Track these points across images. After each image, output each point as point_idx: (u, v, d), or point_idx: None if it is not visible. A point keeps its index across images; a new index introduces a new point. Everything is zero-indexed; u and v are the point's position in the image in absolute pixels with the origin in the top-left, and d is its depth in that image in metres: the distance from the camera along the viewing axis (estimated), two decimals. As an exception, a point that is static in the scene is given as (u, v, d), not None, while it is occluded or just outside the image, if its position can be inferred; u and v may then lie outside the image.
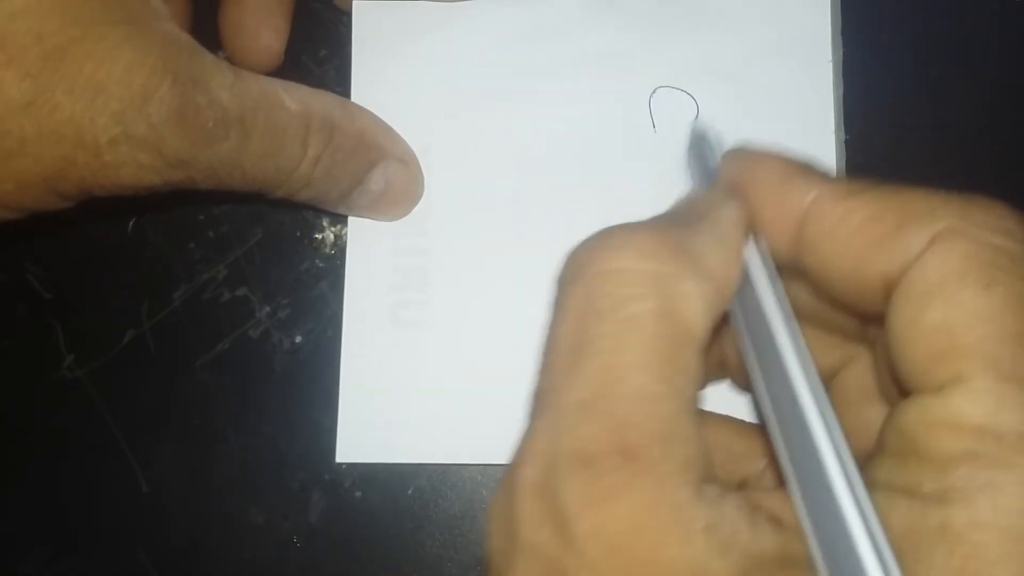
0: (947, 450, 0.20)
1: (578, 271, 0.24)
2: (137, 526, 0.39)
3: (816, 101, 0.38)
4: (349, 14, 0.40)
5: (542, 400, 0.23)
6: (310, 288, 0.40)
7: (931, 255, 0.22)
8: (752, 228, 0.26)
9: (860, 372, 0.28)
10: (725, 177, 0.27)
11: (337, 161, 0.34)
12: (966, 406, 0.20)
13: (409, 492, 0.39)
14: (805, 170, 0.25)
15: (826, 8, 0.38)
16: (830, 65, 0.38)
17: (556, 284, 0.24)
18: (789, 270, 0.26)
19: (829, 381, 0.29)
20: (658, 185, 0.38)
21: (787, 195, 0.25)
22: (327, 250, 0.40)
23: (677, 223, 0.25)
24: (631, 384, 0.22)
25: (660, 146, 0.38)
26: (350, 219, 0.39)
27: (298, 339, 0.40)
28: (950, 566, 0.19)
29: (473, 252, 0.39)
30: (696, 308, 0.23)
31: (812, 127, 0.38)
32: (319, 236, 0.40)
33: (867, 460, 0.24)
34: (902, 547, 0.20)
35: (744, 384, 0.32)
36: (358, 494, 0.39)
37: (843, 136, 0.38)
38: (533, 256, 0.38)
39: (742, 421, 0.32)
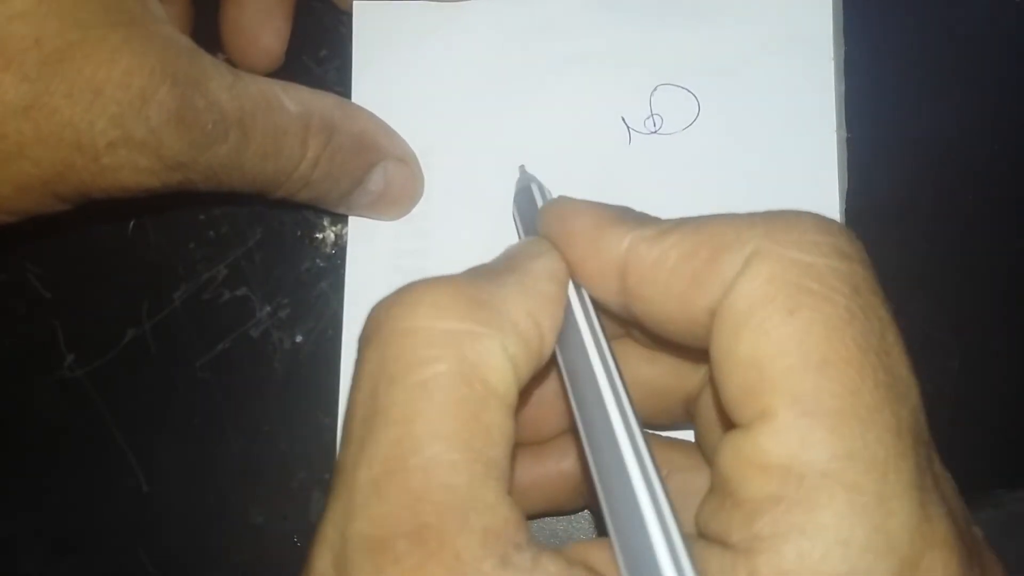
0: (754, 494, 0.20)
1: (374, 332, 0.23)
2: (137, 526, 0.39)
3: (817, 99, 0.38)
4: (349, 14, 0.40)
5: (338, 477, 0.22)
6: (310, 288, 0.40)
7: (740, 282, 0.21)
8: (573, 279, 0.25)
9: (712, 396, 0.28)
10: (544, 231, 0.26)
11: (337, 161, 0.34)
12: (771, 444, 0.20)
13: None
14: (619, 217, 0.24)
15: (827, 5, 0.38)
16: (831, 63, 0.38)
17: (357, 345, 0.23)
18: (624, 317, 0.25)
19: (690, 404, 0.29)
20: (659, 184, 0.38)
21: (603, 245, 0.24)
22: (327, 250, 0.40)
23: (484, 276, 0.24)
24: (425, 456, 0.20)
25: (662, 145, 0.38)
26: (350, 219, 0.39)
27: (298, 339, 0.40)
28: None
29: (473, 252, 0.38)
30: (497, 365, 0.22)
31: (813, 125, 0.38)
32: (319, 236, 0.40)
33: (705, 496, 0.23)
34: None
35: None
36: (358, 494, 0.39)
37: (844, 134, 0.38)
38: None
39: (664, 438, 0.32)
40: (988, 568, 0.22)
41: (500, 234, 0.38)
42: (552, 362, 0.25)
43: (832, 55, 0.38)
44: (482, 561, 0.20)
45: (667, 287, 0.23)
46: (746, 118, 0.38)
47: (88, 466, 0.39)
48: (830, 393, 0.19)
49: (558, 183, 0.38)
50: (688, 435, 0.32)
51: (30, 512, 0.39)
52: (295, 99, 0.33)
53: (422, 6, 0.39)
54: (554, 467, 0.31)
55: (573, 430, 0.28)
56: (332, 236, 0.40)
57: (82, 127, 0.29)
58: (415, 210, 0.39)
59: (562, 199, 0.27)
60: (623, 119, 0.39)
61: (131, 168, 0.30)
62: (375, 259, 0.39)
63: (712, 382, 0.22)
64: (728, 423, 0.22)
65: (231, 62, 0.38)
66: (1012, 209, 0.39)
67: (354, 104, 0.37)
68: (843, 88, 0.38)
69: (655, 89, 0.39)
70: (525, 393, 0.24)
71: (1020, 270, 0.39)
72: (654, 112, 0.39)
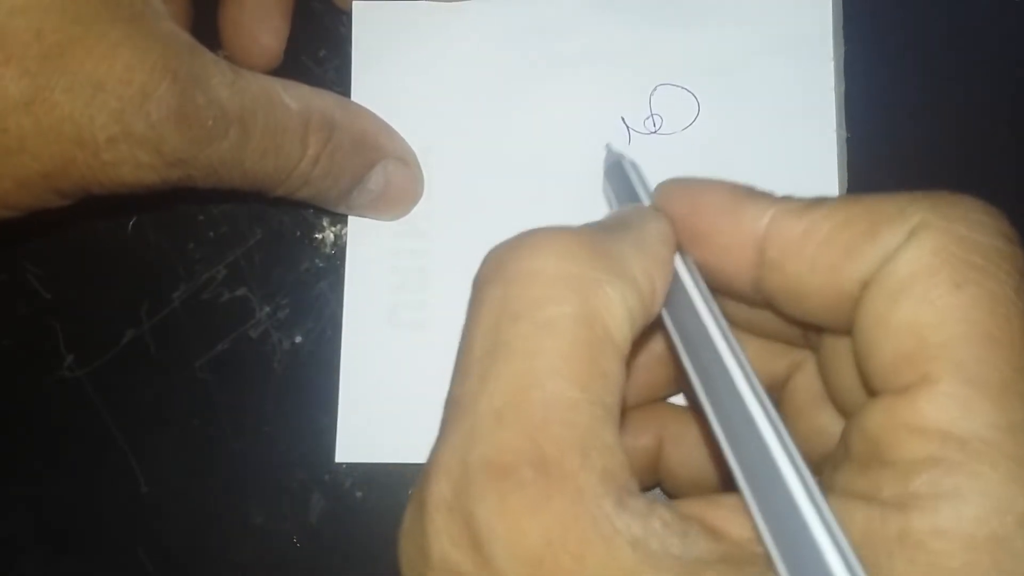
0: (910, 455, 0.20)
1: (495, 272, 0.23)
2: (137, 526, 0.39)
3: (817, 99, 0.38)
4: (348, 14, 0.40)
5: (454, 408, 0.22)
6: (310, 288, 0.40)
7: (903, 252, 0.21)
8: (687, 247, 0.25)
9: (807, 379, 0.28)
10: (665, 203, 0.26)
11: (337, 160, 0.34)
12: (931, 410, 0.20)
13: (409, 492, 0.38)
14: (754, 192, 0.24)
15: (827, 5, 0.38)
16: (831, 63, 0.38)
17: (473, 285, 0.23)
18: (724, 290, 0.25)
19: (777, 390, 0.29)
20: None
21: (741, 218, 0.24)
22: (327, 250, 0.40)
23: (602, 230, 0.24)
24: (547, 390, 0.21)
25: (661, 145, 0.38)
26: (350, 219, 0.39)
27: (298, 339, 0.40)
28: (909, 574, 0.19)
29: (473, 253, 0.38)
30: (617, 313, 0.22)
31: (813, 125, 0.38)
32: (319, 236, 0.40)
33: (824, 467, 0.23)
34: (860, 554, 0.19)
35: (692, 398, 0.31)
36: (358, 494, 0.39)
37: (844, 134, 0.38)
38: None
39: None
40: None
41: (500, 234, 0.38)
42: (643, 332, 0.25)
43: (832, 55, 0.38)
44: (603, 498, 0.20)
45: (815, 259, 0.23)
46: (746, 118, 0.38)
47: (88, 466, 0.39)
48: (994, 366, 0.20)
49: (559, 182, 0.38)
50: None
51: (30, 512, 0.39)
52: (296, 97, 0.33)
53: (422, 6, 0.39)
54: (630, 442, 0.31)
55: (687, 395, 0.28)
56: (332, 236, 0.40)
57: (82, 122, 0.29)
58: (415, 210, 0.39)
59: (683, 179, 0.27)
60: (623, 119, 0.39)
61: (131, 164, 0.30)
62: (375, 259, 0.39)
63: (855, 351, 0.22)
64: (869, 391, 0.22)
65: (230, 60, 0.38)
66: (1012, 209, 0.39)
67: (355, 103, 0.38)
68: (843, 88, 0.38)
69: (655, 89, 0.39)
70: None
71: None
72: (654, 112, 0.39)
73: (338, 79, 0.40)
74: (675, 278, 0.25)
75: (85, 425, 0.39)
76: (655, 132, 0.38)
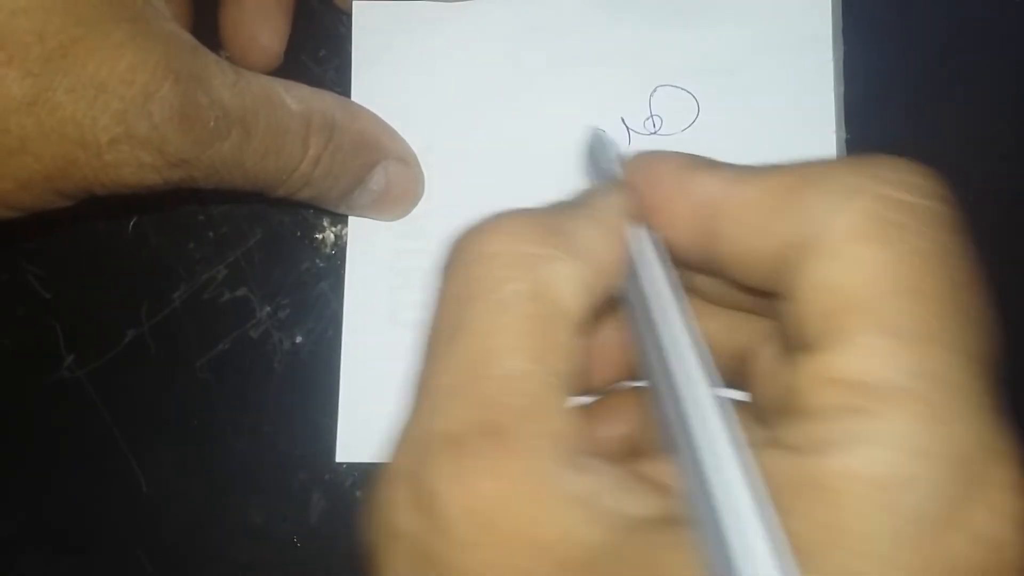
0: (826, 404, 0.20)
1: (455, 257, 0.24)
2: (137, 526, 0.39)
3: (817, 100, 0.38)
4: (348, 14, 0.40)
5: (417, 388, 0.23)
6: (310, 288, 0.40)
7: (833, 215, 0.22)
8: (641, 217, 0.26)
9: (771, 350, 0.28)
10: (629, 175, 0.27)
11: (338, 160, 0.35)
12: (848, 361, 0.20)
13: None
14: (707, 162, 0.25)
15: (827, 6, 0.38)
16: (831, 64, 0.38)
17: (438, 272, 0.25)
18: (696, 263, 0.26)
19: (747, 359, 0.29)
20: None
21: (690, 185, 0.25)
22: (327, 250, 0.40)
23: (558, 208, 0.25)
24: (501, 365, 0.22)
25: (661, 146, 0.38)
26: (350, 219, 0.39)
27: (298, 339, 0.40)
28: (820, 517, 0.19)
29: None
30: (569, 288, 0.23)
31: (813, 126, 0.38)
32: (319, 236, 0.40)
33: (755, 423, 0.24)
34: (775, 500, 0.19)
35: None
36: (358, 494, 0.39)
37: (844, 135, 0.38)
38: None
39: None
40: None
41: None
42: (603, 313, 0.26)
43: (832, 56, 0.38)
44: (553, 460, 0.21)
45: (755, 223, 0.23)
46: (745, 119, 0.38)
47: (88, 466, 0.39)
48: (916, 318, 0.20)
49: (559, 183, 0.38)
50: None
51: (30, 512, 0.39)
52: (297, 98, 0.33)
53: (422, 6, 0.39)
54: (605, 431, 0.31)
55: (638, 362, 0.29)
56: (332, 236, 0.40)
57: (85, 123, 0.29)
58: (415, 210, 0.39)
59: (648, 151, 0.28)
60: (623, 120, 0.39)
61: (134, 164, 0.30)
62: (375, 259, 0.39)
63: (784, 312, 0.23)
64: (797, 350, 0.22)
65: (230, 60, 0.38)
66: (1012, 210, 0.40)
67: (355, 104, 0.37)
68: (842, 89, 0.38)
69: (655, 90, 0.39)
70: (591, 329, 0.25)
71: (1021, 270, 0.39)
72: (654, 113, 0.39)
73: (338, 79, 0.40)
74: (630, 255, 0.26)
75: (85, 425, 0.39)
76: (655, 133, 0.39)
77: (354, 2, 0.39)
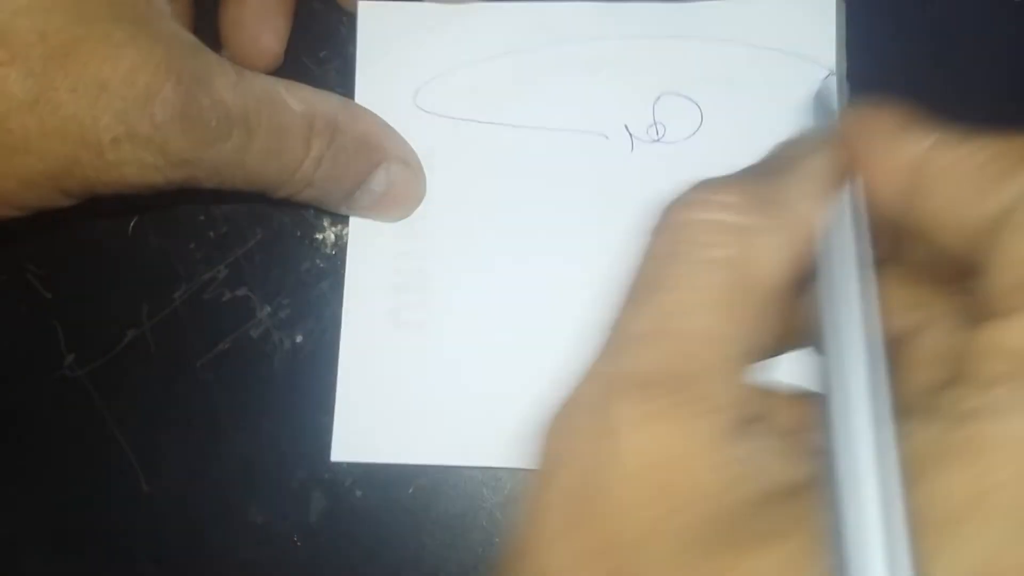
0: (990, 372, 0.21)
1: (665, 221, 0.25)
2: (137, 526, 0.39)
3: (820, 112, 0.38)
4: (350, 14, 0.40)
5: (611, 328, 0.24)
6: (310, 288, 0.40)
7: None
8: (849, 176, 0.26)
9: (940, 334, 0.28)
10: (843, 127, 0.27)
11: (339, 162, 0.35)
12: (1018, 332, 0.21)
13: (409, 492, 0.39)
14: (921, 121, 0.25)
15: (831, 17, 0.38)
16: (834, 77, 0.38)
17: (646, 233, 0.25)
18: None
19: (905, 341, 0.29)
20: (662, 193, 0.38)
21: (903, 142, 0.25)
22: (327, 250, 0.40)
23: (766, 173, 0.26)
24: (695, 322, 0.23)
25: (664, 153, 0.38)
26: (351, 219, 0.39)
27: (298, 339, 0.40)
28: (962, 480, 0.19)
29: (474, 255, 0.39)
30: (773, 261, 0.24)
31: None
32: (320, 236, 0.40)
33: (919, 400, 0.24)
34: (918, 465, 0.20)
35: None
36: (358, 494, 0.39)
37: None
38: (534, 260, 0.38)
39: None
40: None
41: (501, 237, 0.38)
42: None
43: (835, 65, 0.38)
44: (723, 421, 0.22)
45: (960, 188, 0.24)
46: (749, 128, 0.38)
47: (88, 466, 0.39)
48: None
49: (560, 187, 0.38)
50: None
51: (30, 512, 0.39)
52: (299, 98, 0.33)
53: (426, 8, 0.39)
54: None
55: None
56: (332, 236, 0.40)
57: (87, 122, 0.29)
58: (416, 211, 0.39)
59: (868, 105, 0.28)
60: (626, 127, 0.39)
61: (136, 164, 0.30)
62: (375, 259, 0.39)
63: (976, 285, 0.23)
64: (979, 322, 0.23)
65: (231, 60, 0.38)
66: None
67: (358, 105, 0.38)
68: (846, 100, 0.38)
69: (658, 98, 0.39)
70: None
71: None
72: (657, 121, 0.39)
73: (339, 79, 0.40)
74: (833, 218, 0.26)
75: (85, 425, 0.39)
76: (658, 140, 0.38)
77: (359, 3, 0.39)
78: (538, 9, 0.39)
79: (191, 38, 0.31)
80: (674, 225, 0.24)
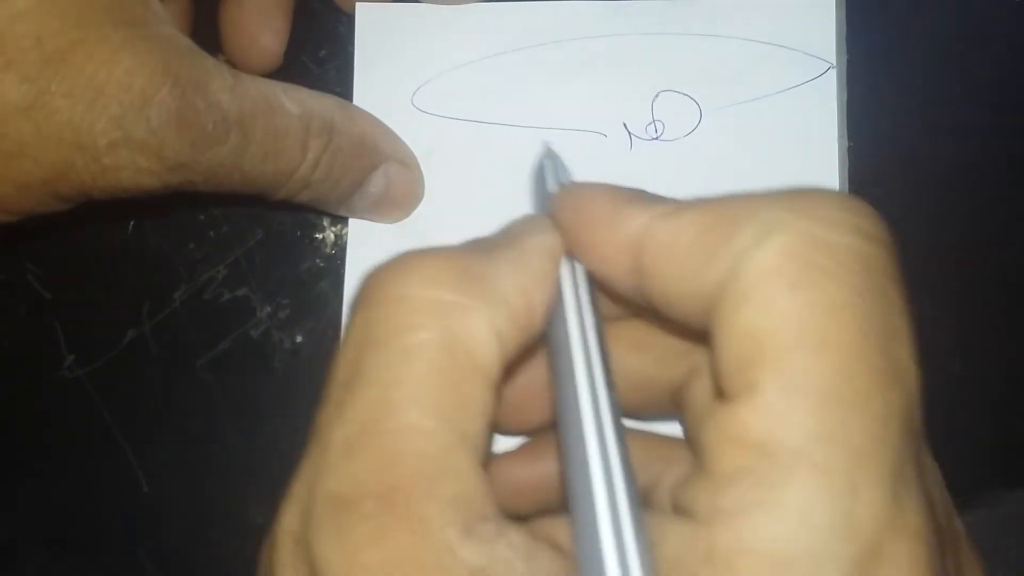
0: (725, 467, 0.19)
1: (364, 297, 0.23)
2: (137, 526, 0.39)
3: (820, 107, 0.38)
4: (348, 15, 0.40)
5: (312, 437, 0.22)
6: (310, 288, 0.40)
7: (752, 253, 0.20)
8: (571, 256, 0.25)
9: (705, 382, 0.27)
10: (558, 211, 0.26)
11: (337, 163, 0.34)
12: (751, 419, 0.19)
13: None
14: (636, 196, 0.24)
15: (831, 14, 0.38)
16: (834, 71, 0.38)
17: (350, 310, 0.23)
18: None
19: (684, 391, 0.28)
20: (660, 190, 0.38)
21: (619, 223, 0.23)
22: (327, 250, 0.40)
23: (479, 248, 0.24)
24: (401, 420, 0.21)
25: (663, 151, 0.38)
26: (350, 220, 0.39)
27: (298, 339, 0.40)
28: None
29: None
30: (483, 339, 0.22)
31: (816, 133, 0.38)
32: (319, 236, 0.40)
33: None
34: (669, 572, 0.19)
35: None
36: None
37: (847, 143, 0.38)
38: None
39: (663, 436, 0.30)
40: (965, 565, 0.22)
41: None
42: (542, 346, 0.25)
43: (835, 63, 0.38)
44: (446, 528, 0.20)
45: (681, 262, 0.22)
46: (748, 125, 0.38)
47: (88, 466, 0.39)
48: (820, 374, 0.19)
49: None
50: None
51: (30, 512, 0.39)
52: (296, 101, 0.33)
53: (424, 8, 0.39)
54: (547, 467, 0.30)
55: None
56: (332, 236, 0.40)
57: (83, 127, 0.29)
58: (416, 212, 0.39)
59: (578, 183, 0.26)
60: (625, 125, 0.39)
61: (132, 168, 0.30)
62: (375, 260, 0.38)
63: (710, 357, 0.22)
64: (718, 399, 0.21)
65: (230, 62, 0.38)
66: (1012, 212, 0.39)
67: (355, 106, 0.37)
68: (845, 96, 0.38)
69: (657, 95, 0.39)
70: (512, 372, 0.24)
71: (1020, 272, 0.39)
72: (656, 118, 0.39)
73: (338, 80, 0.40)
74: (561, 292, 0.24)
75: (85, 425, 0.40)
76: (657, 138, 0.38)
77: (357, 4, 0.39)
78: (535, 9, 0.39)
79: (187, 42, 0.31)
80: (372, 303, 0.22)
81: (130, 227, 0.41)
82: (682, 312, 0.23)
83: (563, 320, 0.24)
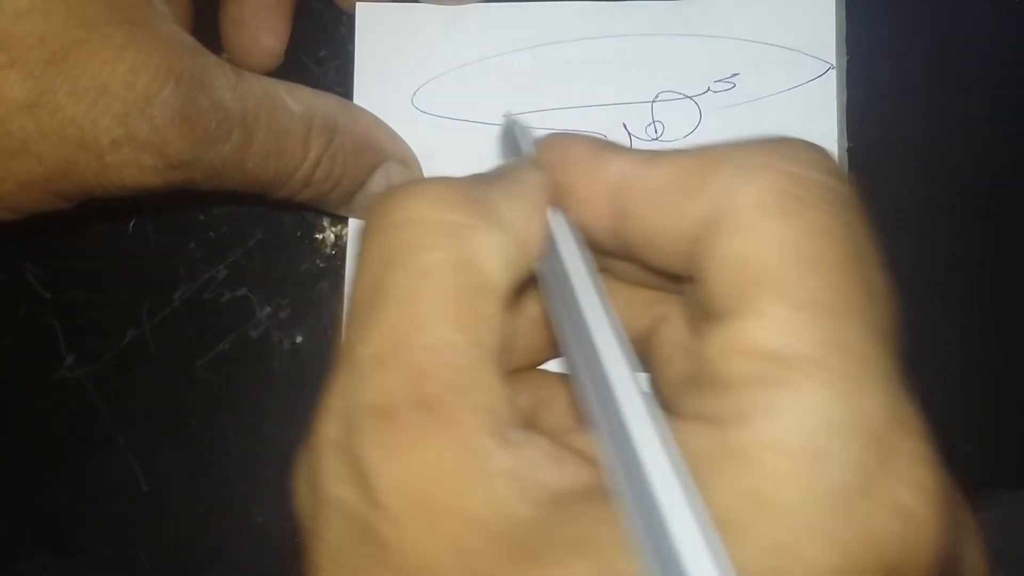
0: (739, 375, 0.21)
1: (375, 223, 0.23)
2: (137, 526, 0.39)
3: (819, 108, 0.38)
4: (349, 15, 0.40)
5: (342, 356, 0.23)
6: (310, 288, 0.40)
7: (735, 190, 0.22)
8: (558, 201, 0.26)
9: (677, 327, 0.28)
10: (541, 158, 0.27)
11: (338, 163, 0.35)
12: (760, 332, 0.21)
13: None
14: (613, 145, 0.25)
15: (830, 15, 0.38)
16: (833, 72, 0.38)
17: (358, 238, 0.24)
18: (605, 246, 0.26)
19: (651, 338, 0.29)
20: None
21: (598, 168, 0.25)
22: (327, 250, 0.40)
23: (479, 179, 0.25)
24: (428, 334, 0.22)
25: (662, 150, 0.38)
26: (351, 220, 0.39)
27: (298, 339, 0.40)
28: (738, 486, 0.19)
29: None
30: (493, 258, 0.23)
31: (815, 135, 0.38)
32: (319, 236, 0.40)
33: (672, 396, 0.24)
34: (694, 470, 0.19)
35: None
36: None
37: (846, 144, 0.38)
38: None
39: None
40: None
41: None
42: (524, 294, 0.26)
43: (834, 64, 0.38)
44: (480, 433, 0.21)
45: (663, 201, 0.23)
46: (748, 126, 0.38)
47: (88, 466, 0.39)
48: (818, 288, 0.21)
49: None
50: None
51: (30, 512, 0.39)
52: (298, 99, 0.33)
53: (425, 8, 0.39)
54: (528, 403, 0.31)
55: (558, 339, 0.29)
56: (332, 236, 0.40)
57: (86, 125, 0.29)
58: (416, 212, 0.39)
59: (559, 132, 0.27)
60: (624, 126, 0.39)
61: (135, 167, 0.30)
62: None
63: (695, 286, 0.23)
64: (708, 324, 0.22)
65: (230, 61, 0.38)
66: (1012, 212, 0.40)
67: (357, 106, 0.37)
68: (845, 98, 0.38)
69: (657, 96, 0.39)
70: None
71: (1020, 271, 0.39)
72: (655, 119, 0.39)
73: (338, 79, 0.40)
74: (549, 234, 0.25)
75: (85, 425, 0.40)
76: (656, 139, 0.38)
77: (357, 4, 0.39)
78: (535, 9, 0.39)
79: (190, 40, 0.31)
80: (387, 225, 0.23)
81: (130, 227, 0.41)
82: (662, 251, 0.24)
83: (561, 252, 0.24)
